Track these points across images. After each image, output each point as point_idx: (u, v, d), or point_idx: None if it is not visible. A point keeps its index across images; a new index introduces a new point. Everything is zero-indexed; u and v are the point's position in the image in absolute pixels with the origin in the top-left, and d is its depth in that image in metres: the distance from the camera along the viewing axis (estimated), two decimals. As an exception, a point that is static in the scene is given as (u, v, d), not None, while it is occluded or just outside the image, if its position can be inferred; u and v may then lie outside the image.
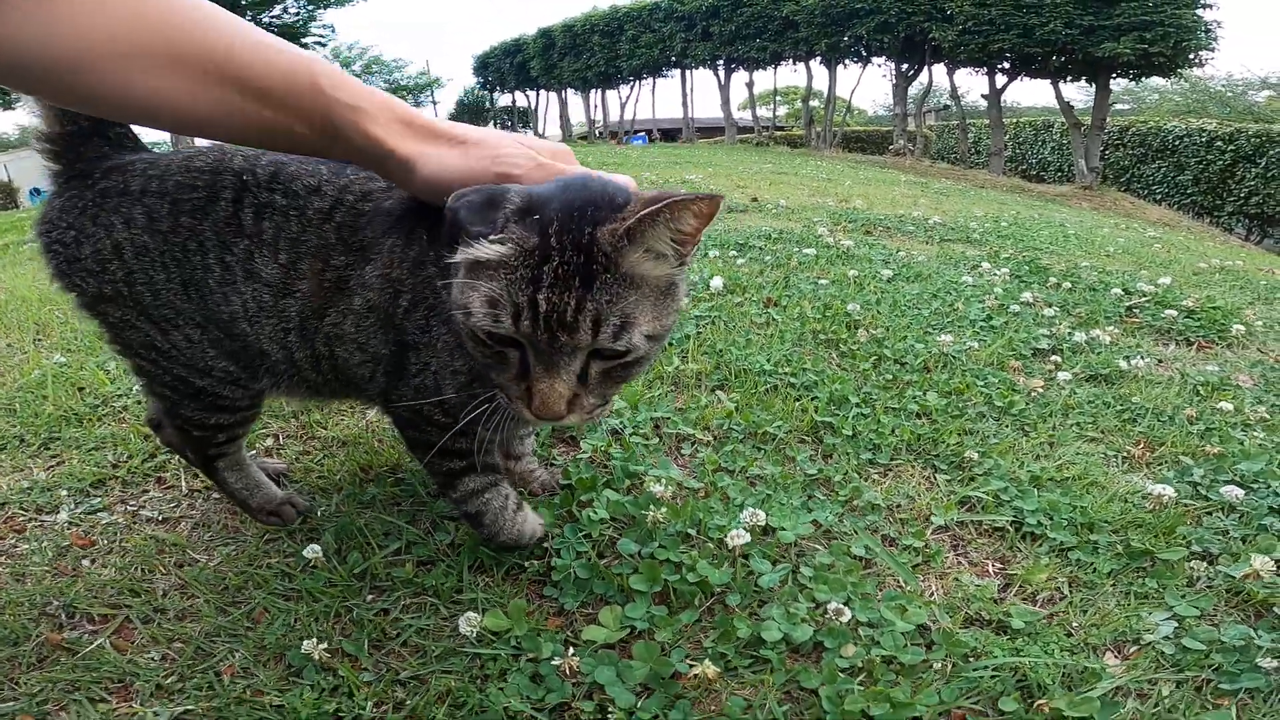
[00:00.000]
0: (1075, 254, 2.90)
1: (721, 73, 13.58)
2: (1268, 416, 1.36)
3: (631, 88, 16.16)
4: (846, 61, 11.69)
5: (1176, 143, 10.47)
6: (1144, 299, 2.04)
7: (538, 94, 19.89)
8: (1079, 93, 12.30)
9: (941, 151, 13.72)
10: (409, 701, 0.68)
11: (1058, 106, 9.89)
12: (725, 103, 13.97)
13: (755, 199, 3.84)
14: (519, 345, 0.61)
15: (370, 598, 0.81)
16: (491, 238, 0.57)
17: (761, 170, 6.36)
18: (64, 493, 1.02)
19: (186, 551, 0.90)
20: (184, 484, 1.05)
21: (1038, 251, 2.80)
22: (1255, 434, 1.28)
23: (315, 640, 0.72)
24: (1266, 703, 0.70)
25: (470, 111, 23.68)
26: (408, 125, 0.65)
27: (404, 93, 22.94)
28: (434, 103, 25.83)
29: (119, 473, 1.07)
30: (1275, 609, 0.82)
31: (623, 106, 16.68)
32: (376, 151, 0.63)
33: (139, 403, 1.26)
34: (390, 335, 0.75)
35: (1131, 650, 0.78)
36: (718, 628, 0.75)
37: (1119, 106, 21.69)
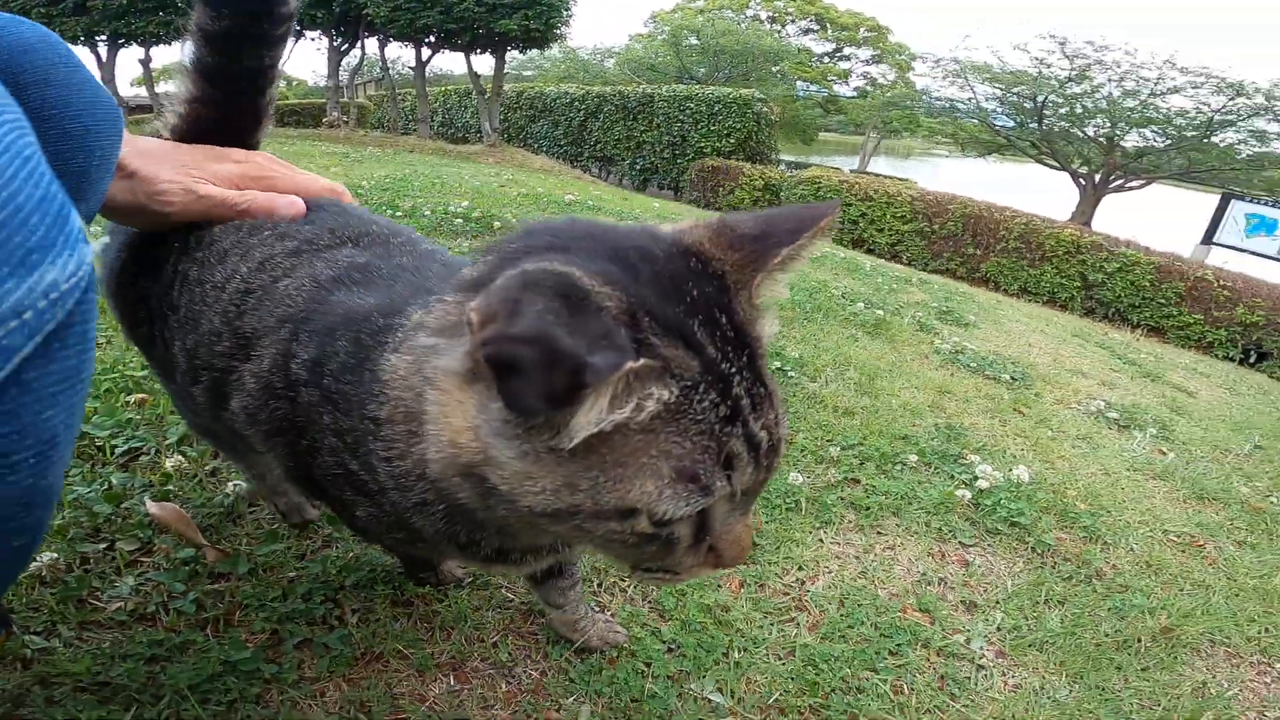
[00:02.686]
0: (434, 194, 4.41)
1: (104, 49, 11.79)
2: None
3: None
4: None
5: (552, 103, 13.93)
6: (454, 216, 3.59)
7: None
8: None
9: (380, 120, 14.99)
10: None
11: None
12: (110, 80, 12.16)
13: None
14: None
15: None
16: (637, 366, 0.36)
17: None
18: None
19: None
20: None
21: (402, 195, 4.17)
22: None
23: None
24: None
25: None
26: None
27: None
28: None
29: None
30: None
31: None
32: None
33: None
34: None
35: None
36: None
37: (526, 73, 26.63)
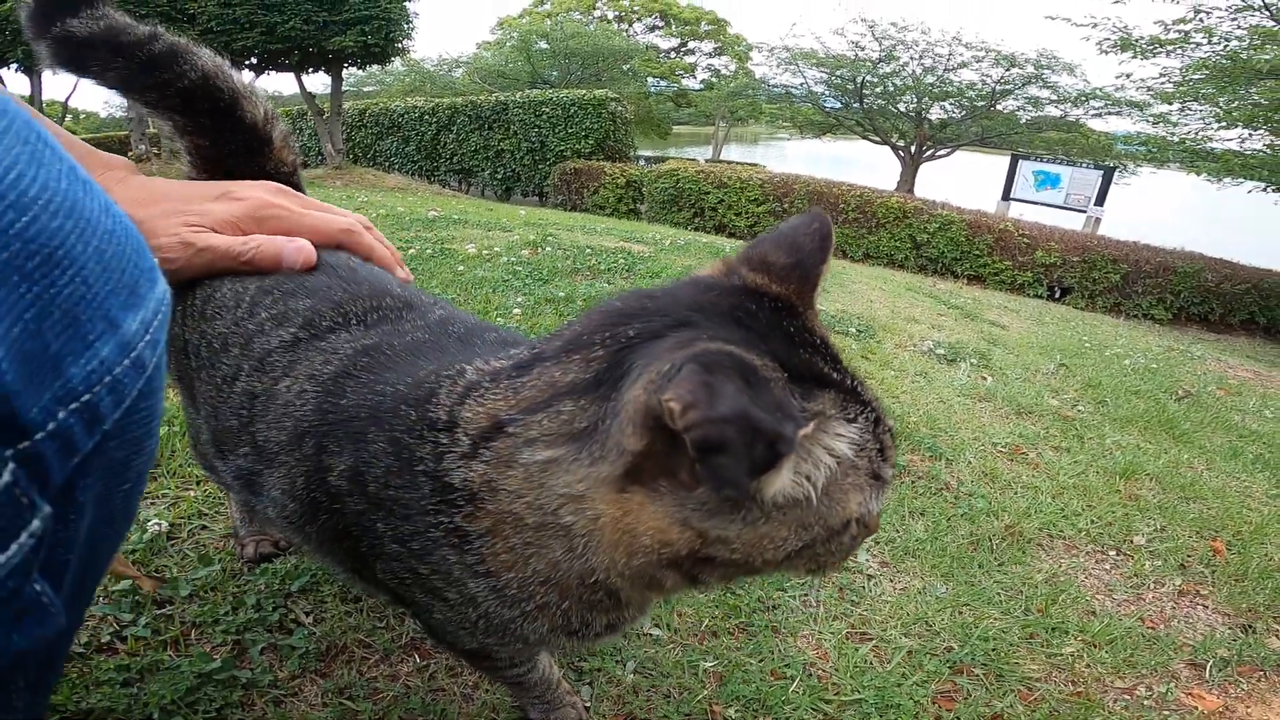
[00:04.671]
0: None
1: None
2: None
3: None
4: (56, 70, 10.33)
5: (400, 119, 13.43)
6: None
7: None
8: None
9: (205, 149, 13.68)
10: None
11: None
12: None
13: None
14: None
15: None
16: (835, 428, 0.46)
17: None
18: None
19: None
20: None
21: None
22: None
23: None
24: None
25: None
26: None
27: None
28: None
29: None
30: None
31: None
32: None
33: None
34: None
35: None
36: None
37: (368, 88, 25.41)
